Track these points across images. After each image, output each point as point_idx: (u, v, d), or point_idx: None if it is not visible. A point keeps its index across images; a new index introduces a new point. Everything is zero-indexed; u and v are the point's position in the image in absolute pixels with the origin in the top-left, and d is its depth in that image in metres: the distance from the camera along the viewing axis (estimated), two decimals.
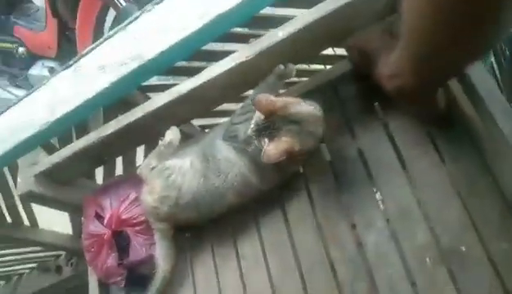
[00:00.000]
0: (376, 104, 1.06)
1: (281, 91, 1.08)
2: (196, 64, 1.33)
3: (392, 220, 0.95)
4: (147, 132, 1.14)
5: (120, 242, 1.14)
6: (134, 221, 1.13)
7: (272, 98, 0.90)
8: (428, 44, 0.71)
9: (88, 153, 1.13)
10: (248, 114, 0.97)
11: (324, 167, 1.05)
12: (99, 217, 1.18)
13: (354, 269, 0.95)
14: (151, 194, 1.08)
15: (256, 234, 1.07)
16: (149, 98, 1.37)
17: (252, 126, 0.92)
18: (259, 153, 0.89)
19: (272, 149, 0.87)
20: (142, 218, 1.12)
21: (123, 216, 1.13)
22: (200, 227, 1.13)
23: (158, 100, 1.05)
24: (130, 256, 1.11)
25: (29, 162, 1.25)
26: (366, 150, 1.02)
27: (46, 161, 1.16)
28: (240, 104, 1.05)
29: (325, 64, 1.43)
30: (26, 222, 1.95)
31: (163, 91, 1.09)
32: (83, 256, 2.04)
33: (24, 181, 1.17)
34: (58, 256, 2.38)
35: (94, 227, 1.17)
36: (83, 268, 2.08)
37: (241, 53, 0.98)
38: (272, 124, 0.89)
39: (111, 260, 1.13)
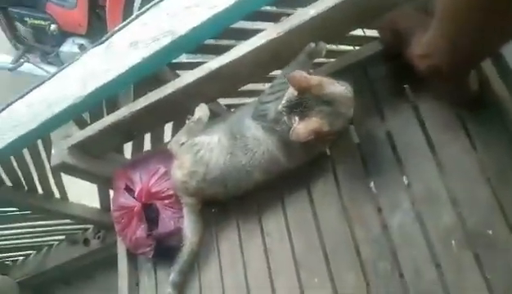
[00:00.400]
0: (406, 86, 1.05)
1: (311, 71, 1.08)
2: (225, 42, 1.33)
3: (419, 202, 0.94)
4: (176, 109, 1.16)
5: (149, 214, 1.17)
6: (163, 195, 1.16)
7: (307, 75, 0.90)
8: (463, 23, 0.70)
9: (119, 128, 1.16)
10: (278, 93, 0.98)
11: (351, 149, 1.05)
12: (129, 190, 1.22)
13: (378, 249, 0.95)
14: (181, 169, 1.10)
15: (281, 212, 1.09)
16: (178, 76, 1.39)
17: (284, 101, 0.93)
18: (288, 132, 0.90)
19: (302, 127, 0.88)
20: (171, 192, 1.15)
21: (153, 190, 1.16)
22: (226, 203, 1.15)
23: (188, 77, 1.07)
24: (159, 228, 1.14)
25: (62, 135, 1.30)
26: (394, 133, 1.01)
27: (79, 134, 1.20)
28: (269, 84, 1.05)
29: (354, 45, 1.41)
30: (57, 195, 2.02)
31: (192, 68, 1.11)
32: (110, 230, 2.12)
33: (57, 153, 1.21)
34: (86, 229, 2.45)
35: (124, 199, 1.21)
36: (110, 241, 2.14)
37: (271, 30, 0.98)
38: (305, 102, 0.89)
39: (140, 231, 1.17)
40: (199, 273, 1.15)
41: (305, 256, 1.03)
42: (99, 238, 2.42)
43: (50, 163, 1.32)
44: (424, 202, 0.94)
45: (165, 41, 1.06)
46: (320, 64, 1.22)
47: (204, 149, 1.07)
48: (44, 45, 2.75)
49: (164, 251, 1.16)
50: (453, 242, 0.89)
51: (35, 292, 2.76)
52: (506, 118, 0.93)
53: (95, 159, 1.28)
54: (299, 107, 0.89)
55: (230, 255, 1.13)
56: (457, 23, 0.71)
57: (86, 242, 2.44)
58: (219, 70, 1.03)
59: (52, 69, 2.79)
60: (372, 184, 1.01)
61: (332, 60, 1.24)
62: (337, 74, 1.07)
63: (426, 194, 0.94)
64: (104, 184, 1.36)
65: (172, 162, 1.15)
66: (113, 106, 1.36)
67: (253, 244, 1.10)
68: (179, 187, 1.12)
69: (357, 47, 1.31)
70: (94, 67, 1.17)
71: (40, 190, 1.94)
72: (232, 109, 1.61)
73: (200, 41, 1.11)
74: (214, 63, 1.04)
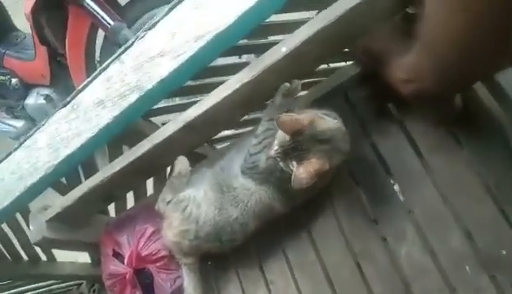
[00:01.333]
0: (390, 104, 1.01)
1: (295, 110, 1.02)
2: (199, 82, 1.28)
3: (424, 228, 0.90)
4: (155, 164, 1.10)
5: (143, 279, 1.10)
6: (154, 257, 1.09)
7: (297, 116, 0.84)
8: (462, 47, 0.63)
9: (98, 193, 1.09)
10: (264, 142, 0.93)
11: (347, 182, 1.00)
12: (118, 255, 1.15)
13: (390, 284, 0.91)
14: (171, 229, 1.04)
15: (282, 257, 1.04)
16: (152, 123, 1.32)
17: (276, 147, 0.87)
18: (283, 180, 0.85)
19: (303, 172, 0.82)
20: (163, 253, 1.09)
21: (143, 253, 1.10)
22: (222, 254, 1.09)
23: (163, 132, 1.00)
24: None
25: (41, 203, 1.22)
26: (387, 158, 0.97)
27: (56, 205, 1.12)
28: (256, 132, 0.99)
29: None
30: (43, 257, 1.92)
31: (167, 113, 1.04)
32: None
33: (36, 228, 1.13)
34: (80, 284, 2.35)
35: (114, 267, 1.14)
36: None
37: (244, 74, 0.92)
38: (300, 145, 0.84)
39: None
40: None
41: None
42: (94, 292, 2.32)
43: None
44: (429, 228, 0.90)
45: (133, 97, 1.00)
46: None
47: (190, 204, 1.01)
48: (8, 100, 2.64)
49: None
50: (467, 267, 0.85)
51: None
52: (497, 126, 0.90)
53: (78, 227, 1.20)
54: (295, 151, 0.84)
55: None
56: (456, 46, 0.64)
57: None
58: (195, 121, 0.97)
59: (20, 124, 2.69)
60: (372, 215, 0.96)
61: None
62: (316, 105, 1.03)
63: (430, 219, 0.90)
64: (92, 250, 1.28)
65: (161, 220, 1.08)
66: (89, 168, 1.29)
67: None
68: (173, 248, 1.05)
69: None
70: (62, 132, 1.10)
71: (25, 257, 1.84)
72: (217, 147, 1.55)
73: (170, 90, 1.05)
74: (190, 113, 0.98)
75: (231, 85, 0.94)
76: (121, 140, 1.24)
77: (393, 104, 1.00)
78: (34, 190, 1.14)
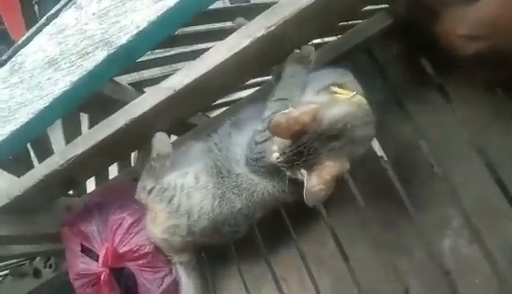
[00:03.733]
0: (426, 64, 0.82)
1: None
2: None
3: (473, 216, 0.76)
4: (131, 143, 0.86)
5: (124, 281, 0.90)
6: (136, 254, 0.88)
7: (294, 114, 0.63)
8: None
9: (57, 179, 0.85)
10: None
11: (375, 160, 0.83)
12: (87, 251, 0.93)
13: (429, 279, 0.77)
14: (157, 225, 0.83)
15: (294, 248, 0.87)
16: (120, 85, 1.05)
17: (276, 155, 0.67)
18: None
19: (317, 183, 0.62)
20: (146, 249, 0.88)
21: (121, 250, 0.88)
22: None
23: (143, 102, 0.76)
24: None
25: None
26: (425, 130, 0.80)
27: (2, 195, 0.87)
28: (263, 115, 0.77)
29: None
30: None
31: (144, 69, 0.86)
32: (61, 256, 1.82)
33: None
34: (33, 259, 2.10)
35: (84, 265, 0.92)
36: (64, 267, 1.86)
37: (256, 26, 0.69)
38: (306, 149, 0.63)
39: None
40: None
41: None
42: (51, 266, 2.09)
43: None
44: (479, 216, 0.75)
45: (99, 56, 0.74)
46: None
47: (178, 194, 0.81)
48: None
49: None
50: None
51: None
52: None
53: (32, 218, 0.95)
54: (301, 157, 0.64)
55: None
56: None
57: (36, 273, 2.10)
58: (185, 89, 0.74)
59: None
60: (407, 201, 0.80)
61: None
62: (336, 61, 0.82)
63: (479, 204, 0.75)
64: (55, 243, 1.05)
65: (141, 208, 0.87)
66: (42, 148, 1.02)
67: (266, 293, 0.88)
68: (161, 245, 0.85)
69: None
70: (1, 101, 0.83)
71: None
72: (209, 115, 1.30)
73: (151, 45, 0.80)
74: (177, 79, 0.74)
75: (237, 41, 0.70)
76: (80, 108, 0.97)
77: (430, 63, 0.81)
78: None
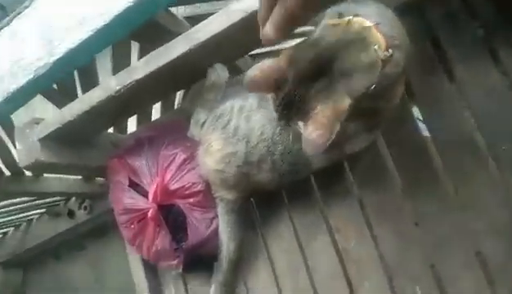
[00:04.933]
0: (482, 29, 0.73)
1: None
2: None
3: None
4: (193, 70, 0.81)
5: (172, 219, 0.87)
6: (187, 192, 0.85)
7: (268, 62, 0.55)
8: None
9: (111, 106, 0.81)
10: None
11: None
12: (134, 185, 0.90)
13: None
14: (210, 154, 0.78)
15: (354, 200, 0.81)
16: (175, 17, 0.99)
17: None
18: None
19: (313, 130, 0.54)
20: (198, 187, 0.84)
21: (172, 187, 0.85)
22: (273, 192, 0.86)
23: (210, 27, 0.70)
24: (189, 237, 0.85)
25: (27, 116, 0.93)
26: (476, 106, 0.72)
27: (51, 120, 0.84)
28: None
29: None
30: (27, 172, 1.65)
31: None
32: (96, 199, 1.83)
33: (26, 149, 0.85)
34: (68, 200, 2.13)
35: (131, 199, 0.89)
36: (98, 211, 1.87)
37: None
38: (292, 98, 0.54)
39: (161, 240, 0.87)
40: (245, 284, 0.89)
41: (398, 262, 0.77)
42: (85, 208, 2.11)
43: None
44: None
45: None
46: None
47: (235, 117, 0.75)
48: None
49: (197, 261, 0.88)
50: None
51: (24, 271, 2.51)
52: None
53: (80, 148, 0.93)
54: (291, 108, 0.55)
55: (286, 258, 0.86)
56: None
57: (71, 214, 2.13)
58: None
59: None
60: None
61: None
62: None
63: None
64: (98, 176, 1.02)
65: (194, 146, 0.83)
66: (87, 74, 0.98)
67: (319, 243, 0.83)
68: (213, 179, 0.81)
69: None
70: (57, 18, 0.78)
71: (6, 172, 1.57)
72: None
73: None
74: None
75: None
76: (133, 36, 0.92)
77: (485, 28, 0.72)
78: (18, 97, 0.84)
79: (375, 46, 0.53)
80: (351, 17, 0.53)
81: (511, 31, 0.73)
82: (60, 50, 0.77)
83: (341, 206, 0.82)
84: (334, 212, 0.82)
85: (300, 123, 0.55)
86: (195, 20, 1.05)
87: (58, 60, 0.77)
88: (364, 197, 0.80)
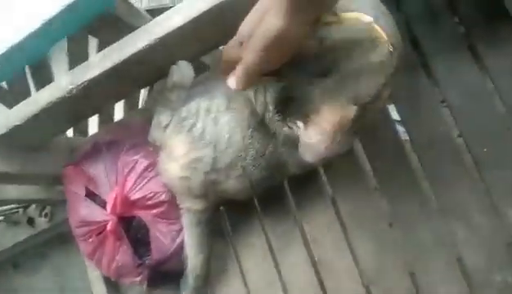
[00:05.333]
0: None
1: None
2: None
3: None
4: (153, 68, 0.73)
5: (134, 232, 0.80)
6: (150, 202, 0.77)
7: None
8: None
9: (63, 107, 0.72)
10: None
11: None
12: (92, 195, 0.82)
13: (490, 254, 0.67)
14: (174, 160, 0.71)
15: (331, 208, 0.76)
16: (133, 7, 0.91)
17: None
18: None
19: (314, 136, 0.49)
20: (162, 196, 0.77)
21: (133, 197, 0.77)
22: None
23: (169, 20, 0.63)
24: (153, 252, 0.77)
25: None
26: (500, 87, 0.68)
27: (1, 125, 0.75)
28: None
29: None
30: None
31: None
32: (57, 205, 1.74)
33: None
34: (27, 207, 2.01)
35: (88, 211, 0.81)
36: (59, 218, 1.78)
37: None
38: (294, 88, 0.50)
39: (123, 255, 0.80)
40: None
41: (376, 271, 0.73)
42: (46, 215, 2.00)
43: None
44: None
45: None
46: None
47: (201, 119, 0.68)
48: None
49: (163, 276, 0.81)
50: None
51: None
52: None
53: (34, 154, 0.84)
54: (289, 105, 0.51)
55: (259, 270, 0.80)
56: None
57: (30, 221, 2.02)
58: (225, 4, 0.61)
59: None
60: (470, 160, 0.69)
61: None
62: None
63: None
64: (54, 183, 0.94)
65: (156, 151, 0.76)
66: (40, 71, 0.89)
67: (294, 253, 0.78)
68: (179, 188, 0.74)
69: None
70: None
71: None
72: None
73: None
74: None
75: None
76: (89, 30, 0.84)
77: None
78: None
79: (387, 44, 0.48)
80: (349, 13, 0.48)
81: (491, 28, 0.70)
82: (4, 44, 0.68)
83: (317, 213, 0.77)
84: (310, 220, 0.77)
85: (299, 124, 0.49)
86: (157, 13, 0.99)
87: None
88: (340, 203, 0.75)
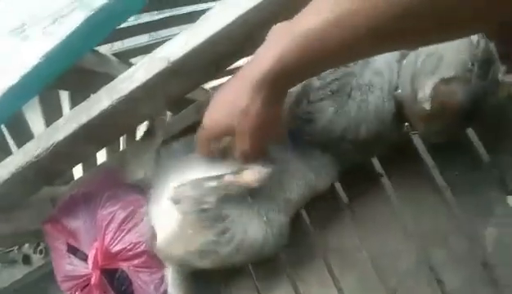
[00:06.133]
0: None
1: None
2: None
3: None
4: (122, 124, 0.73)
5: (118, 283, 0.79)
6: (130, 253, 0.77)
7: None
8: None
9: (33, 171, 0.72)
10: (334, 84, 0.60)
11: None
12: (74, 250, 0.82)
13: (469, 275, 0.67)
14: (183, 244, 0.66)
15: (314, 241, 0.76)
16: (105, 56, 0.91)
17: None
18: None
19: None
20: (142, 247, 0.76)
21: (114, 249, 0.77)
22: None
23: (133, 78, 0.63)
24: None
25: None
26: None
27: None
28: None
29: None
30: None
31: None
32: None
33: None
34: (21, 245, 2.00)
35: (71, 266, 0.81)
36: None
37: None
38: None
39: None
40: None
41: None
42: (41, 252, 1.99)
43: None
44: None
45: (77, 17, 0.61)
46: None
47: (234, 226, 0.63)
48: None
49: None
50: None
51: None
52: None
53: (14, 212, 0.83)
54: None
55: None
56: None
57: (26, 259, 2.01)
58: (184, 59, 0.61)
59: None
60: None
61: None
62: None
63: None
64: (39, 238, 0.93)
65: (136, 199, 0.75)
66: (19, 132, 0.89)
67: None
68: (163, 258, 0.73)
69: None
70: None
71: None
72: None
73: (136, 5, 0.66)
74: (174, 47, 0.61)
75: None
76: (58, 85, 0.84)
77: None
78: None
79: None
80: None
81: None
82: None
83: (301, 252, 0.76)
84: (295, 260, 0.76)
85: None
86: (125, 55, 0.98)
87: None
88: (321, 239, 0.75)
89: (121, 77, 0.63)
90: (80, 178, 0.96)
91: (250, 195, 0.62)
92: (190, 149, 0.68)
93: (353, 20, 0.39)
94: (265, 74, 0.44)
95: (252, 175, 0.58)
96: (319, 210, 0.75)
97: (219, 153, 0.60)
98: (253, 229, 0.63)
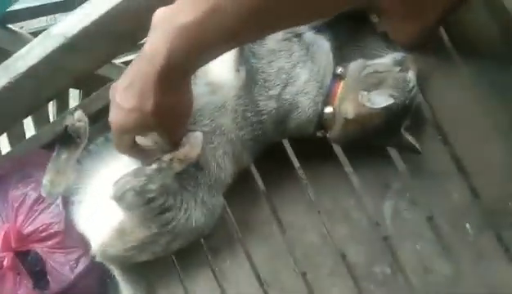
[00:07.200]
0: None
1: None
2: None
3: (416, 179, 0.70)
4: (24, 104, 0.71)
5: (30, 265, 0.78)
6: (43, 234, 0.76)
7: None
8: None
9: None
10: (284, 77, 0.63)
11: None
12: None
13: (370, 249, 0.71)
14: (122, 243, 0.64)
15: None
16: (15, 32, 0.88)
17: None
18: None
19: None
20: (55, 227, 0.76)
21: (26, 230, 0.76)
22: None
23: (29, 55, 0.61)
24: (51, 285, 0.76)
25: None
26: None
27: None
28: None
29: None
30: None
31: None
32: None
33: None
34: None
35: None
36: None
37: None
38: None
39: (24, 290, 0.78)
40: None
41: (272, 274, 0.75)
42: None
43: None
44: (423, 179, 0.69)
45: None
46: None
47: (180, 214, 0.63)
48: None
49: None
50: (467, 225, 0.67)
51: None
52: None
53: None
54: None
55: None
56: None
57: None
58: (81, 34, 0.60)
59: None
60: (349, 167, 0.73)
61: None
62: None
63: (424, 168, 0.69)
64: None
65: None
66: None
67: (195, 266, 0.78)
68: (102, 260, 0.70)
69: None
70: None
71: None
72: None
73: None
74: (70, 23, 0.60)
75: None
76: None
77: None
78: None
79: None
80: None
81: None
82: None
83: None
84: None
85: None
86: None
87: None
88: (234, 211, 0.77)
89: (16, 55, 0.61)
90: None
91: (192, 182, 0.64)
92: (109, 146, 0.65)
93: (229, 5, 0.39)
94: (159, 71, 0.44)
95: (188, 146, 0.58)
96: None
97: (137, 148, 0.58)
98: (196, 215, 0.64)
